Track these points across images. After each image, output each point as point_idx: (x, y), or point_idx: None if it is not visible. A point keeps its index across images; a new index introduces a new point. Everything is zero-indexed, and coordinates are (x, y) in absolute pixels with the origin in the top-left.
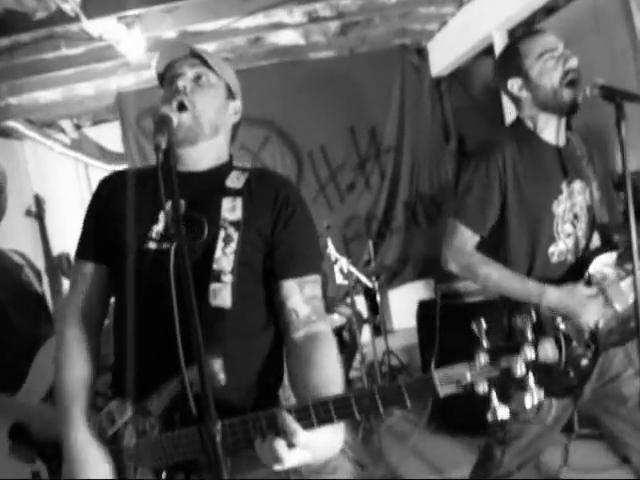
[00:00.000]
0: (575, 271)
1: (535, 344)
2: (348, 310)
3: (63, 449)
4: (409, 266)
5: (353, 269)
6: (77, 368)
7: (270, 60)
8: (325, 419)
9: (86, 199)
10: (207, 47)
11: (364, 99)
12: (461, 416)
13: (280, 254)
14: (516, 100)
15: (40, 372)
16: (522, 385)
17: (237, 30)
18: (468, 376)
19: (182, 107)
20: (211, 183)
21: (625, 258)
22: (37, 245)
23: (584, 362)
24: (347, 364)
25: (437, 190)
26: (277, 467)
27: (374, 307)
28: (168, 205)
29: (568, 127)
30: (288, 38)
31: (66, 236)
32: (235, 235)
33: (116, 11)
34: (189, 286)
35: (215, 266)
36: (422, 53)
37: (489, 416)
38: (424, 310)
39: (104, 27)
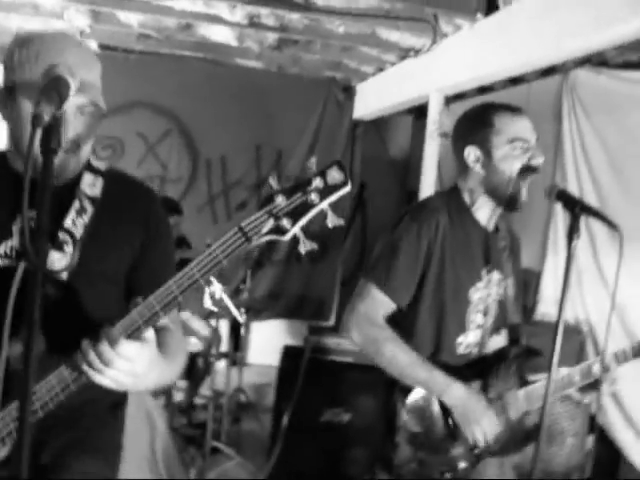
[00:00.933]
0: (475, 368)
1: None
2: (207, 331)
3: None
4: (280, 303)
5: (225, 297)
6: None
7: (195, 53)
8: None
9: None
10: (131, 19)
11: (279, 121)
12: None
13: (142, 275)
14: (464, 168)
15: None
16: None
17: (170, 9)
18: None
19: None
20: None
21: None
22: None
23: (462, 465)
24: (194, 389)
25: (327, 230)
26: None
27: (236, 342)
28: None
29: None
30: (221, 35)
31: None
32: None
33: None
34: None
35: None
36: (349, 92)
37: (301, 249)
38: (290, 356)
39: None
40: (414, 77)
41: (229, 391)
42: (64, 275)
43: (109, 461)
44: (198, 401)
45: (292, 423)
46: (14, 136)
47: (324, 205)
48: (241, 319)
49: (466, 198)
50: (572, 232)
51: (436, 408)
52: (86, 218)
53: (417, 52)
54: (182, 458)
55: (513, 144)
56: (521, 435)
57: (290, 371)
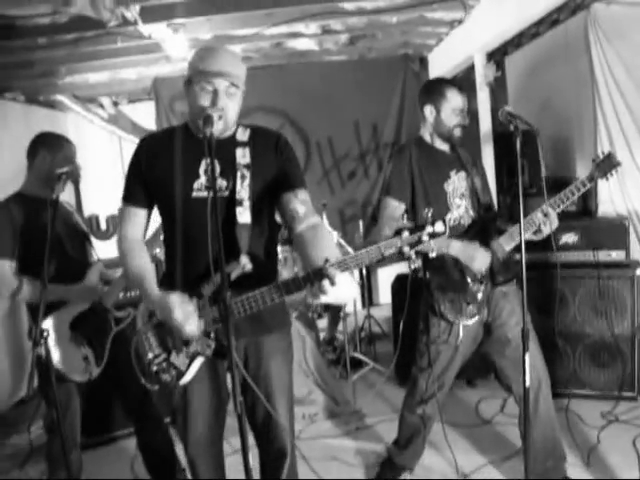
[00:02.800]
0: (471, 231)
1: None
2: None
3: (149, 306)
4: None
5: (342, 241)
6: (141, 257)
7: (288, 60)
8: (344, 269)
9: (118, 169)
10: (236, 48)
11: (369, 98)
12: None
13: (280, 179)
14: (424, 118)
15: (89, 284)
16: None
17: (263, 36)
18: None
19: (220, 117)
20: (229, 142)
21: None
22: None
23: (479, 296)
24: (334, 325)
25: None
26: (319, 299)
27: (369, 285)
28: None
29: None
30: (304, 44)
31: (95, 201)
32: (247, 174)
33: (166, 18)
34: (217, 220)
35: (237, 196)
36: (423, 62)
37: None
38: (400, 280)
39: (154, 29)
40: (461, 43)
41: (365, 324)
42: (247, 203)
43: (288, 364)
44: (339, 337)
45: (406, 330)
46: (192, 112)
47: (431, 244)
48: None
49: (427, 139)
50: (515, 136)
51: (449, 261)
52: (247, 157)
53: (460, 22)
54: (329, 367)
55: (454, 111)
56: (507, 268)
57: (401, 291)
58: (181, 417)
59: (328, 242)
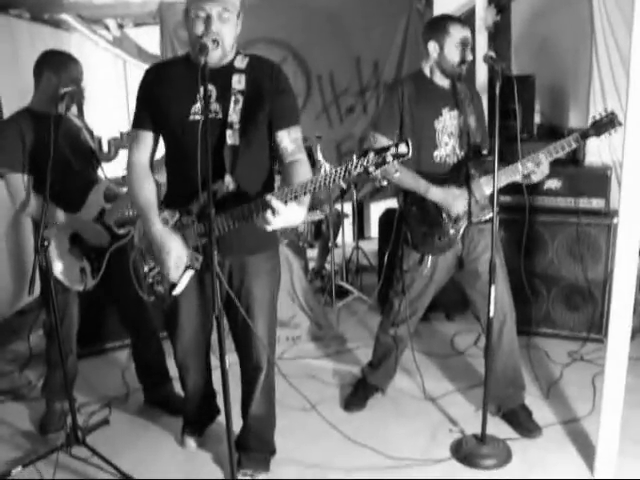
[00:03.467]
0: (456, 170)
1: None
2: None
3: (149, 237)
4: (391, 184)
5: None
6: (147, 188)
7: None
8: (293, 197)
9: (122, 91)
10: None
11: (372, 35)
12: None
13: (275, 113)
14: (427, 54)
15: (92, 203)
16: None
17: None
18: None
19: (215, 42)
20: (226, 69)
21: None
22: None
23: (452, 232)
24: (324, 254)
25: None
26: (268, 228)
27: (360, 219)
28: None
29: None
30: None
31: (99, 123)
32: (241, 99)
33: None
34: (207, 141)
35: (229, 119)
36: (429, 1)
37: (378, 174)
38: (387, 214)
39: None
40: None
41: (353, 256)
42: (236, 126)
43: (272, 284)
44: (328, 267)
45: (390, 262)
46: (190, 41)
47: (395, 164)
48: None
49: (427, 73)
50: (493, 79)
51: (429, 202)
52: (242, 84)
53: None
54: (315, 294)
55: (457, 44)
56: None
57: (387, 225)
58: (171, 328)
59: (302, 177)
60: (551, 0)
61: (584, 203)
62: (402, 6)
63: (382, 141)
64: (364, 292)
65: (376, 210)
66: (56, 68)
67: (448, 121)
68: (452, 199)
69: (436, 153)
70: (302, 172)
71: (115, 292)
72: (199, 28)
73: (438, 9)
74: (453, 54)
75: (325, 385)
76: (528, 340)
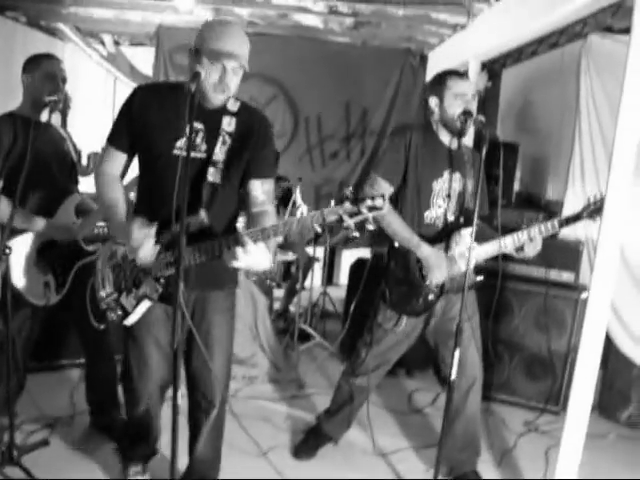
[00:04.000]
0: (441, 235)
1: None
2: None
3: (114, 233)
4: (365, 234)
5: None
6: (115, 189)
7: (292, 33)
8: (265, 238)
9: (108, 108)
10: (242, 12)
11: (364, 84)
12: None
13: (254, 162)
14: (430, 110)
15: (62, 213)
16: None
17: (270, 4)
18: (341, 211)
19: (223, 91)
20: (218, 110)
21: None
22: None
23: (430, 297)
24: (290, 294)
25: None
26: (234, 264)
27: (331, 266)
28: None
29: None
30: (310, 20)
31: (82, 136)
32: (229, 140)
33: None
34: (186, 175)
35: (214, 158)
36: (423, 59)
37: (347, 224)
38: (359, 264)
39: None
40: (460, 48)
41: (320, 301)
42: (220, 165)
43: (230, 321)
44: (292, 310)
45: (356, 312)
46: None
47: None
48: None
49: (434, 127)
50: (481, 144)
51: (413, 258)
52: (232, 126)
53: (462, 27)
54: (277, 335)
55: (457, 97)
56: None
57: (358, 274)
58: (129, 357)
59: (269, 222)
60: (541, 74)
61: (554, 275)
62: (397, 59)
63: (382, 185)
64: (327, 338)
65: (347, 257)
66: (30, 69)
67: (447, 183)
68: (439, 262)
69: (427, 213)
70: (269, 222)
71: (76, 311)
72: (213, 76)
73: (432, 69)
74: (453, 106)
75: (276, 430)
76: (487, 405)
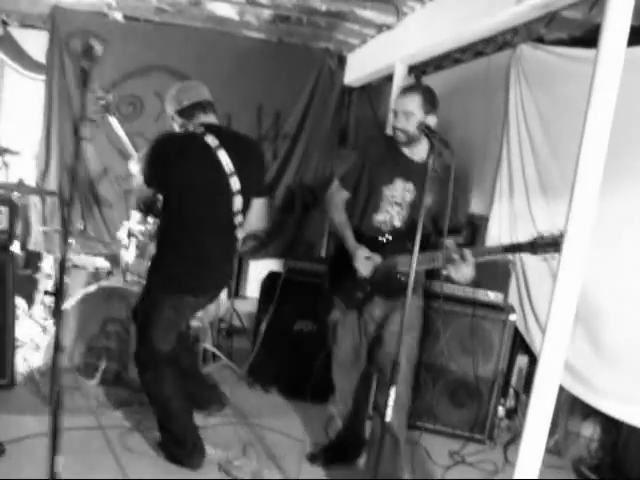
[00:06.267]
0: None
1: None
2: None
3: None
4: (275, 244)
5: None
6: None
7: (204, 24)
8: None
9: None
10: None
11: (278, 84)
12: (272, 376)
13: (252, 187)
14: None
15: None
16: None
17: None
18: None
19: None
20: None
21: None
22: None
23: (358, 294)
24: None
25: (318, 183)
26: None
27: (237, 277)
28: None
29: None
30: (224, 11)
31: None
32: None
33: None
34: None
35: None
36: (341, 61)
37: None
38: (271, 278)
39: None
40: (385, 49)
41: (226, 315)
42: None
43: None
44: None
45: (268, 331)
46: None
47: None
48: None
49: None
50: (431, 151)
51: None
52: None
53: (389, 28)
54: None
55: (393, 112)
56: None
57: (270, 289)
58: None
59: None
60: (466, 82)
61: (482, 295)
62: (314, 61)
63: (343, 193)
64: (234, 357)
65: (255, 268)
66: None
67: (398, 191)
68: (362, 256)
69: (375, 216)
70: None
71: None
72: None
73: (350, 71)
74: (391, 122)
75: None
76: (409, 434)
